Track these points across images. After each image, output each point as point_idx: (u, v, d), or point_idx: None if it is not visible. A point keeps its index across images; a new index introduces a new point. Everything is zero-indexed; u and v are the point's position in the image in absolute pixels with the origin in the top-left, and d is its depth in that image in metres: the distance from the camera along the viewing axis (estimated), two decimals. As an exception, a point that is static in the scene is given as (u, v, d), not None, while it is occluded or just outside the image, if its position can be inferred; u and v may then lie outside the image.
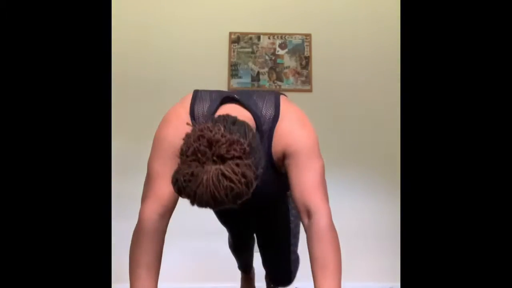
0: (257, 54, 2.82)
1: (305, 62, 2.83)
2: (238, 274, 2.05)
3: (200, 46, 2.81)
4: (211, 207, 0.89)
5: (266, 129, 1.14)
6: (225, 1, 2.90)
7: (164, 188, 1.07)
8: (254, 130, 1.04)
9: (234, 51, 2.81)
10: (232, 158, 0.85)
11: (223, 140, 0.85)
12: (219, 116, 0.96)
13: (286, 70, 2.82)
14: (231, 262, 1.93)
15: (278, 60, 2.83)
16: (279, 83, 2.79)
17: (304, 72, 2.82)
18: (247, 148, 0.87)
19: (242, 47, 2.82)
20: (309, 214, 1.08)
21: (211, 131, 0.87)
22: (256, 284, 2.28)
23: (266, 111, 1.15)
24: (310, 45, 2.85)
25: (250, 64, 2.81)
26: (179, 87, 2.80)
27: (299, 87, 2.80)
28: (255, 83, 2.78)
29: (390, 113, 2.74)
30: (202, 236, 2.16)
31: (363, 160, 2.73)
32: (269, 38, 2.85)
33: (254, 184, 0.89)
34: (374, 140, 2.76)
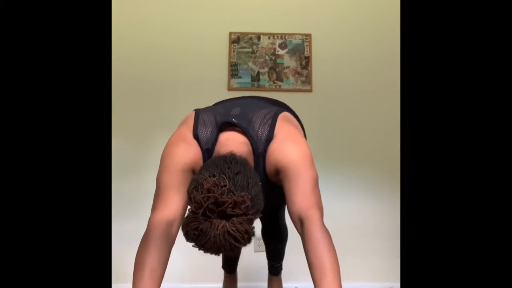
0: (257, 54, 2.82)
1: (305, 62, 2.83)
2: (238, 273, 2.05)
3: (200, 46, 2.81)
4: (216, 255, 1.01)
5: (261, 151, 1.22)
6: (225, 1, 2.90)
7: (173, 199, 1.15)
8: (251, 153, 1.18)
9: (234, 51, 2.81)
10: (237, 215, 0.96)
11: (229, 201, 0.95)
12: (225, 161, 1.04)
13: (286, 70, 2.82)
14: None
15: (278, 60, 2.83)
16: (279, 83, 2.79)
17: (304, 72, 2.82)
18: (250, 204, 0.98)
19: (242, 47, 2.82)
20: (301, 222, 1.12)
21: (217, 188, 0.96)
22: (252, 283, 2.28)
23: (262, 133, 1.22)
24: (310, 45, 2.85)
25: (250, 64, 2.80)
26: (179, 87, 2.81)
27: (299, 87, 2.79)
28: (255, 83, 2.78)
29: (390, 113, 2.74)
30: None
31: (363, 160, 2.73)
32: (269, 38, 2.85)
33: (254, 235, 1.00)
34: (374, 140, 2.76)
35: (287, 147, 1.20)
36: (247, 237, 0.97)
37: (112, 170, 2.36)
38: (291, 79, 2.80)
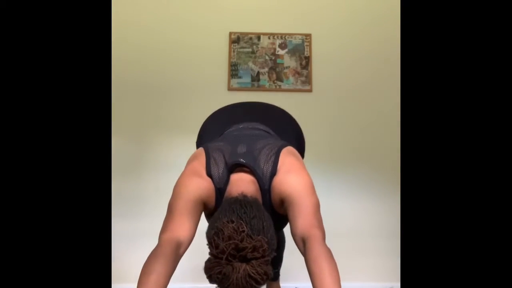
0: (257, 54, 2.82)
1: (305, 62, 2.83)
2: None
3: (200, 46, 2.81)
4: None
5: (267, 187, 1.31)
6: (225, 1, 2.90)
7: (185, 224, 1.23)
8: (259, 190, 1.29)
9: (234, 51, 2.81)
10: (256, 258, 1.05)
11: (249, 246, 1.04)
12: (240, 206, 1.13)
13: (286, 70, 2.82)
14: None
15: (278, 60, 2.83)
16: (279, 83, 2.79)
17: (304, 72, 2.82)
18: (267, 247, 1.06)
19: (242, 47, 2.82)
20: (303, 241, 1.18)
21: (237, 233, 1.05)
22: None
23: (267, 170, 1.32)
24: (310, 45, 2.85)
25: (250, 64, 2.80)
26: (179, 87, 2.81)
27: (299, 87, 2.79)
28: (255, 83, 2.78)
29: (391, 113, 2.74)
30: (204, 236, 2.15)
31: (363, 160, 2.73)
32: (269, 38, 2.85)
33: (271, 275, 1.08)
34: (375, 140, 2.76)
35: (290, 179, 1.29)
36: (266, 278, 1.06)
37: (112, 170, 2.35)
38: (291, 79, 2.80)
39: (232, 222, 1.08)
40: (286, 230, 1.80)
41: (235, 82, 2.77)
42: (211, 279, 1.07)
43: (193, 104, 2.74)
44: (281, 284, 1.97)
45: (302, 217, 1.22)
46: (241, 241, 1.05)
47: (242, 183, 1.29)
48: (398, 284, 2.48)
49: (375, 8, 2.93)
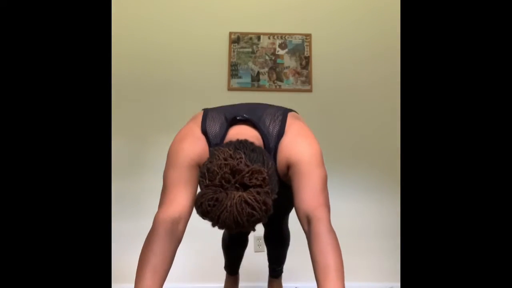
0: (257, 54, 2.82)
1: (305, 62, 2.83)
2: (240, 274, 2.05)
3: (200, 46, 2.82)
4: (231, 230, 0.96)
5: (272, 146, 1.19)
6: (225, 1, 2.90)
7: (180, 196, 1.13)
8: (263, 146, 1.14)
9: (234, 51, 2.81)
10: (254, 186, 0.93)
11: (246, 169, 0.93)
12: (239, 142, 1.03)
13: (286, 70, 2.82)
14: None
15: (278, 60, 2.83)
16: (279, 83, 2.79)
17: (304, 72, 2.82)
18: (267, 177, 0.94)
19: (242, 47, 2.82)
20: (309, 221, 1.10)
21: (233, 159, 0.94)
22: (255, 284, 2.28)
23: (273, 129, 1.20)
24: (310, 45, 2.85)
25: (250, 64, 2.81)
26: (180, 87, 2.81)
27: (299, 87, 2.79)
28: (255, 83, 2.78)
29: (390, 112, 2.75)
30: (204, 236, 2.15)
31: (363, 160, 2.73)
32: (269, 38, 2.85)
33: (272, 211, 0.96)
34: (374, 140, 2.76)
35: (300, 144, 1.18)
36: (265, 208, 0.94)
37: (112, 170, 2.36)
38: (291, 79, 2.80)
39: (229, 150, 0.96)
40: (291, 226, 1.81)
41: (235, 82, 2.77)
42: (202, 209, 0.94)
43: (193, 104, 2.73)
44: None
45: (309, 192, 1.12)
46: (238, 164, 0.93)
47: (243, 137, 1.12)
48: (398, 284, 2.49)
49: (375, 8, 2.94)
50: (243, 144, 1.02)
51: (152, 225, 1.12)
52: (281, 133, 1.20)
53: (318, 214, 1.09)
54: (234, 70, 2.79)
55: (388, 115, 2.76)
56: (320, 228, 1.07)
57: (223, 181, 0.92)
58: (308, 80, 2.81)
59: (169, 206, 1.12)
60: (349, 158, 2.73)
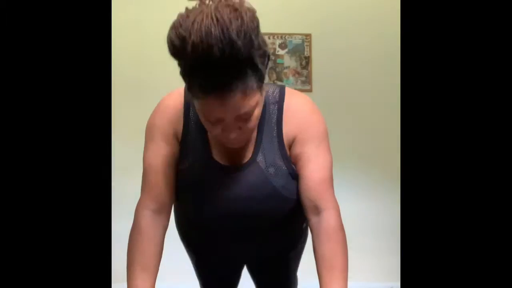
0: (257, 54, 2.82)
1: (305, 62, 2.83)
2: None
3: (200, 46, 2.81)
4: (207, 52, 0.77)
5: (273, 104, 1.03)
6: (225, 1, 2.90)
7: (157, 181, 1.04)
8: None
9: (234, 51, 2.82)
10: (235, 9, 0.77)
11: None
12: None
13: (286, 70, 2.82)
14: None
15: (278, 60, 2.83)
16: (279, 83, 2.79)
17: (304, 72, 2.82)
18: (254, 25, 0.80)
19: (242, 47, 2.83)
20: (317, 210, 1.02)
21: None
22: None
23: (272, 89, 1.07)
24: (310, 45, 2.85)
25: (250, 64, 2.81)
26: (179, 87, 2.80)
27: (299, 87, 2.79)
28: (255, 83, 2.78)
29: (390, 112, 2.74)
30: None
31: (363, 160, 2.73)
32: (269, 38, 2.85)
33: (254, 43, 0.81)
34: (374, 140, 2.76)
35: (310, 115, 1.06)
36: (241, 23, 0.77)
37: (112, 170, 2.35)
38: (291, 79, 2.81)
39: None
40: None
41: (235, 82, 2.77)
42: (170, 36, 0.81)
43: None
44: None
45: (319, 178, 1.01)
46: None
47: None
48: (398, 284, 2.49)
49: (375, 8, 2.94)
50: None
51: (134, 220, 1.06)
52: (282, 92, 1.06)
53: (329, 205, 1.02)
54: (234, 70, 2.79)
55: (388, 115, 2.76)
56: (332, 223, 1.00)
57: (197, 4, 0.78)
58: (308, 80, 2.81)
59: (147, 195, 1.05)
60: (349, 158, 2.73)
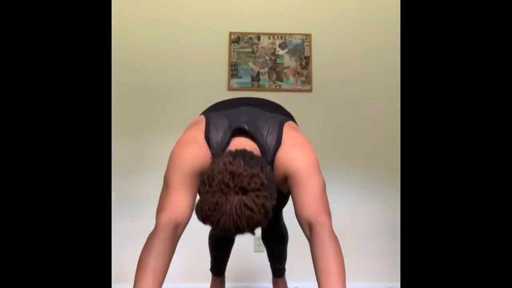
0: (257, 54, 2.82)
1: (305, 62, 2.83)
2: (238, 273, 2.05)
3: (200, 46, 2.81)
4: (231, 234, 0.99)
5: (270, 158, 1.23)
6: (225, 1, 2.90)
7: (182, 201, 1.16)
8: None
9: (234, 51, 2.81)
10: (253, 190, 0.96)
11: (245, 173, 0.96)
12: (238, 151, 1.07)
13: (286, 70, 2.82)
14: (233, 262, 1.93)
15: (278, 60, 2.83)
16: (279, 83, 2.79)
17: (304, 72, 2.82)
18: (266, 181, 0.98)
19: (242, 47, 2.82)
20: (310, 226, 1.13)
21: (233, 165, 0.97)
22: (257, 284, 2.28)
23: (270, 141, 1.24)
24: (310, 45, 2.85)
25: (250, 64, 2.81)
26: (179, 87, 2.81)
27: (299, 87, 2.79)
28: (255, 83, 2.78)
29: (390, 112, 2.74)
30: (205, 236, 2.16)
31: (363, 160, 2.73)
32: (269, 38, 2.85)
33: (271, 214, 0.99)
34: (374, 140, 2.76)
35: (296, 154, 1.22)
36: (264, 211, 0.97)
37: (112, 170, 2.36)
38: (291, 79, 2.80)
39: (228, 158, 1.00)
40: (288, 224, 1.81)
41: (235, 82, 2.77)
42: (202, 214, 0.98)
43: (193, 104, 2.73)
44: (281, 284, 1.97)
45: (310, 200, 1.15)
46: (236, 169, 0.96)
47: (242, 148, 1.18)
48: (398, 284, 2.49)
49: (375, 8, 2.94)
50: (241, 152, 1.06)
51: (156, 227, 1.14)
52: (277, 146, 1.24)
53: (320, 219, 1.12)
54: (234, 70, 2.79)
55: (388, 115, 2.76)
56: (322, 234, 1.09)
57: (222, 186, 0.95)
58: (308, 80, 2.81)
59: (172, 210, 1.15)
60: (349, 158, 2.73)
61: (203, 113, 1.39)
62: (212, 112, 1.34)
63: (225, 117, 1.29)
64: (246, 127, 1.24)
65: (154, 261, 1.07)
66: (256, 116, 1.31)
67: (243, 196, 0.95)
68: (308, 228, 1.14)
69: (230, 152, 1.07)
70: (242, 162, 0.99)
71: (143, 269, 1.06)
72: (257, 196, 0.96)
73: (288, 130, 1.28)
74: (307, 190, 1.17)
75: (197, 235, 1.99)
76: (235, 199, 0.94)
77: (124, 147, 2.65)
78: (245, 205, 0.94)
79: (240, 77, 2.78)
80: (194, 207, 1.01)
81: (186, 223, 1.17)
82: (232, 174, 0.96)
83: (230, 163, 0.98)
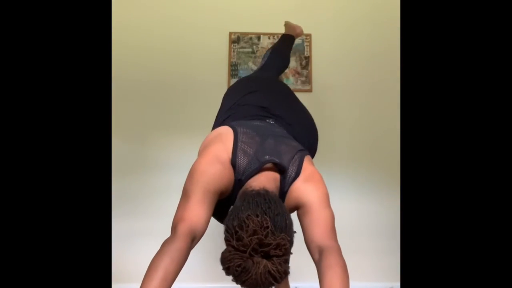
0: (257, 54, 2.82)
1: (305, 62, 2.83)
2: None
3: (200, 46, 2.81)
4: None
5: (285, 190, 1.32)
6: (225, 1, 2.90)
7: (201, 215, 1.20)
8: (278, 189, 1.28)
9: (234, 51, 2.81)
10: (277, 256, 1.04)
11: (273, 244, 1.03)
12: (265, 203, 1.11)
13: (286, 70, 2.81)
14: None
15: (278, 60, 2.83)
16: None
17: (304, 72, 2.82)
18: (288, 246, 1.06)
19: (242, 47, 2.82)
20: (320, 250, 1.19)
21: (262, 229, 1.04)
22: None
23: (291, 173, 1.33)
24: (310, 45, 2.85)
25: (250, 64, 2.80)
26: (179, 87, 2.80)
27: (299, 87, 2.79)
28: (255, 83, 2.78)
29: (390, 112, 2.74)
30: (211, 236, 2.15)
31: (363, 160, 2.73)
32: (269, 38, 2.85)
33: (289, 273, 1.08)
34: (374, 140, 2.76)
35: (309, 188, 1.31)
36: (284, 276, 1.06)
37: (112, 170, 2.35)
38: (291, 79, 2.80)
39: (257, 216, 1.06)
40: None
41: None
42: (228, 271, 1.05)
43: (193, 104, 2.74)
44: (281, 284, 1.97)
45: (322, 228, 1.23)
46: (265, 236, 1.03)
47: (266, 179, 1.27)
48: (398, 284, 2.48)
49: (375, 8, 2.93)
50: (269, 205, 1.10)
51: (175, 235, 1.16)
52: (295, 178, 1.32)
53: (331, 244, 1.19)
54: (234, 70, 2.79)
55: (388, 115, 2.76)
56: (332, 257, 1.15)
57: (251, 251, 1.03)
58: (308, 80, 2.81)
59: (193, 222, 1.19)
60: (349, 158, 2.73)
61: (227, 118, 1.50)
62: (240, 128, 1.38)
63: (252, 141, 1.34)
64: (277, 160, 1.31)
65: (167, 266, 1.08)
66: (281, 142, 1.39)
67: (268, 262, 1.03)
68: (318, 252, 1.19)
69: (255, 201, 1.11)
70: (269, 224, 1.05)
71: (154, 271, 1.07)
72: (280, 263, 1.04)
73: (306, 164, 1.36)
74: (319, 221, 1.24)
75: (205, 237, 1.99)
76: (261, 266, 1.02)
77: (124, 147, 2.64)
78: (270, 273, 1.02)
79: (240, 77, 2.78)
80: (221, 256, 1.07)
81: (201, 236, 1.21)
82: (260, 242, 1.03)
83: (259, 226, 1.04)
